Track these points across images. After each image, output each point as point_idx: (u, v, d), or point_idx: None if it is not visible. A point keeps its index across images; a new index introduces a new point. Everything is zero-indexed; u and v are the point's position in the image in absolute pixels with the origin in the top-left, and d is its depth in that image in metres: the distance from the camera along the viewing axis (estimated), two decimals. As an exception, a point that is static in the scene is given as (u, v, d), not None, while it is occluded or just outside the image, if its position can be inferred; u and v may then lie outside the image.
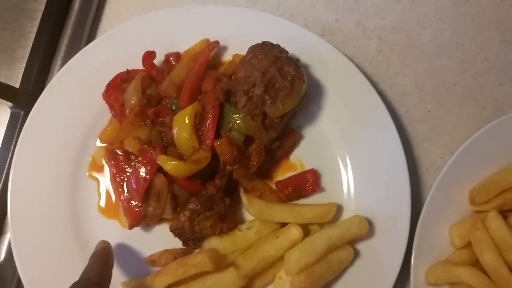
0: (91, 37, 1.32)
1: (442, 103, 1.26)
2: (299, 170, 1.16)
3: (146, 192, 1.05)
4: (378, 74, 1.28)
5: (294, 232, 1.03)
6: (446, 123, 1.24)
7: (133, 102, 1.11)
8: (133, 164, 1.09)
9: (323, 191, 1.15)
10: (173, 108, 1.11)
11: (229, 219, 1.06)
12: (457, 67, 1.29)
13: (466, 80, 1.28)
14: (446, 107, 1.25)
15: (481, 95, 1.27)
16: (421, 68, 1.29)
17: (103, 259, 0.94)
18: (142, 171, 1.05)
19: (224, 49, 1.22)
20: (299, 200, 1.14)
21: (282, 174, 1.16)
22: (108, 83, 1.16)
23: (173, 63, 1.19)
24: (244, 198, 1.04)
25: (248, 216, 1.12)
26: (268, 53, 1.09)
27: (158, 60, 1.20)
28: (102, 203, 1.14)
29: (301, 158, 1.17)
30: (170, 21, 1.22)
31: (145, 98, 1.12)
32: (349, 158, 1.15)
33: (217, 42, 1.19)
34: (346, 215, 1.11)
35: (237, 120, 1.05)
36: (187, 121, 1.04)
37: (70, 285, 0.83)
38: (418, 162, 1.21)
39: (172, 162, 1.00)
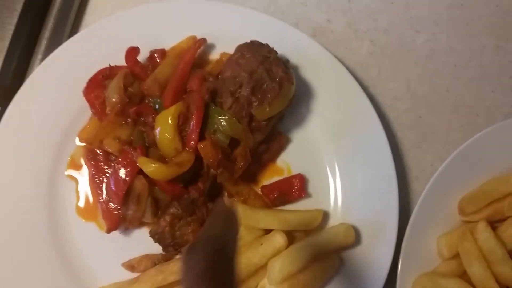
0: (74, 30, 1.27)
1: (434, 109, 1.23)
2: (286, 175, 1.12)
3: (126, 195, 1.01)
4: (369, 78, 1.24)
5: (279, 240, 0.99)
6: (437, 130, 1.21)
7: (114, 100, 1.07)
8: (113, 165, 1.05)
9: (309, 197, 1.12)
10: (156, 107, 1.07)
11: (211, 225, 1.02)
12: (450, 73, 1.26)
13: (459, 86, 1.25)
14: (437, 113, 1.23)
15: (474, 102, 1.24)
16: (413, 73, 1.26)
17: (228, 218, 0.69)
18: (122, 173, 1.01)
19: (211, 47, 1.18)
20: (285, 206, 1.11)
21: (268, 179, 1.12)
22: (89, 80, 1.12)
23: (158, 60, 1.15)
24: (228, 202, 1.01)
25: (232, 221, 1.08)
26: (256, 53, 1.05)
27: (142, 57, 1.15)
28: (81, 204, 1.10)
29: (288, 162, 1.14)
30: (156, 16, 1.18)
31: (127, 96, 1.07)
32: (337, 163, 1.12)
33: (204, 40, 1.15)
34: (332, 222, 1.08)
35: (223, 122, 1.01)
36: (170, 122, 1.00)
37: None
38: (408, 169, 1.18)
39: (153, 165, 0.96)
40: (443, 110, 1.23)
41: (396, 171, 1.09)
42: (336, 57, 1.16)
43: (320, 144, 1.14)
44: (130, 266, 1.04)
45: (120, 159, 1.02)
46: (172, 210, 1.00)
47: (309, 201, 1.11)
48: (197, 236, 0.64)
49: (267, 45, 1.07)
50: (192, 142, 1.00)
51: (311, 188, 1.12)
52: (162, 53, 1.15)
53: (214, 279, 0.59)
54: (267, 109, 1.02)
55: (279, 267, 0.96)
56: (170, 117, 1.00)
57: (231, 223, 0.68)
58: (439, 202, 1.07)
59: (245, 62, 1.04)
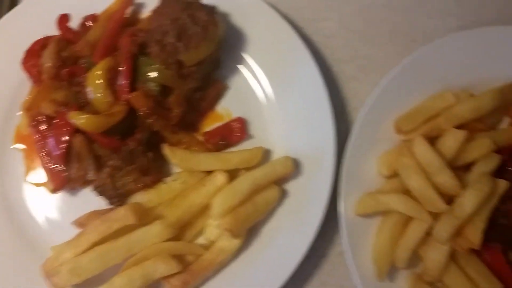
0: (12, 5, 1.28)
1: (369, 42, 1.24)
2: (226, 120, 1.14)
3: (66, 154, 1.03)
4: (303, 19, 1.25)
5: (219, 178, 1.01)
6: (374, 61, 1.22)
7: (48, 65, 1.09)
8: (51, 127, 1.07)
9: (252, 138, 1.13)
10: (88, 67, 1.08)
11: (153, 173, 1.04)
12: (384, 5, 1.27)
13: (394, 16, 1.26)
14: (373, 45, 1.23)
15: (410, 29, 1.25)
16: (347, 10, 1.27)
17: None
18: (60, 133, 1.03)
19: (142, 6, 1.20)
20: (230, 149, 1.12)
21: (210, 126, 1.14)
22: (26, 51, 1.14)
23: (91, 25, 1.17)
24: (165, 149, 1.02)
25: (178, 170, 1.10)
26: (178, 1, 1.07)
27: (77, 24, 1.18)
28: (30, 171, 1.12)
29: (229, 108, 1.15)
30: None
31: (61, 60, 1.10)
32: (276, 103, 1.13)
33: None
34: (275, 158, 1.09)
35: (151, 70, 1.03)
36: (99, 76, 1.02)
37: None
38: (346, 101, 1.19)
39: (83, 116, 0.98)
40: (379, 41, 1.24)
41: (334, 103, 1.11)
42: (269, 2, 1.18)
43: (258, 87, 1.15)
44: (80, 223, 1.05)
45: (57, 120, 1.04)
46: (111, 162, 1.02)
47: (252, 142, 1.13)
48: None
49: (189, -8, 1.09)
50: (123, 94, 1.02)
51: (253, 129, 1.14)
52: (94, 18, 1.18)
53: None
54: (194, 54, 1.04)
55: (220, 202, 0.98)
56: (99, 72, 1.02)
57: None
58: (377, 125, 1.08)
59: (168, 11, 1.06)
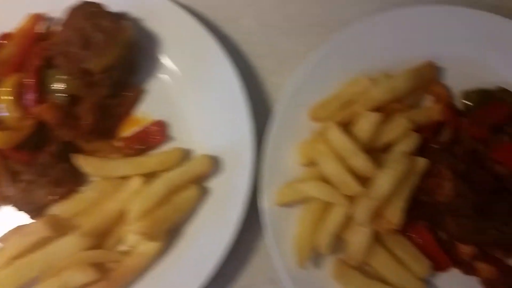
0: None
1: (288, 35, 1.24)
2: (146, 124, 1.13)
3: (-18, 173, 1.02)
4: (221, 19, 1.26)
5: (134, 182, 1.00)
6: (293, 54, 1.21)
7: (-39, 89, 1.08)
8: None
9: (174, 140, 1.13)
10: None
11: (68, 183, 1.03)
12: (302, -4, 1.27)
13: (312, 7, 1.26)
14: (292, 38, 1.23)
15: (329, 20, 1.25)
16: (264, 5, 1.27)
17: None
18: (-28, 153, 1.02)
19: (56, 20, 1.19)
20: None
21: (129, 131, 1.13)
22: None
23: (4, 43, 1.16)
24: (77, 158, 1.02)
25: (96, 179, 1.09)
26: (83, 11, 1.07)
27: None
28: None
29: (148, 111, 1.15)
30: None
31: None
32: (195, 103, 1.13)
33: (38, 15, 1.16)
34: (196, 158, 1.09)
35: (58, 82, 1.03)
36: (7, 93, 1.02)
37: None
38: (267, 95, 1.19)
39: (-14, 134, 0.97)
40: (297, 34, 1.24)
41: (255, 98, 1.12)
42: (184, 4, 1.19)
43: (176, 89, 1.15)
44: (4, 240, 1.03)
45: (-32, 141, 1.03)
46: (24, 176, 1.01)
47: (173, 144, 1.12)
48: None
49: (94, 1, 1.09)
50: (31, 107, 1.01)
51: (174, 131, 1.13)
52: (8, 36, 1.17)
53: None
54: (100, 60, 1.04)
55: (135, 206, 0.97)
56: (7, 88, 1.02)
57: None
58: (294, 115, 1.07)
59: (73, 22, 1.06)
